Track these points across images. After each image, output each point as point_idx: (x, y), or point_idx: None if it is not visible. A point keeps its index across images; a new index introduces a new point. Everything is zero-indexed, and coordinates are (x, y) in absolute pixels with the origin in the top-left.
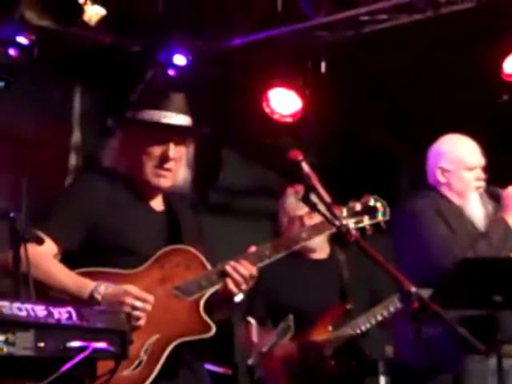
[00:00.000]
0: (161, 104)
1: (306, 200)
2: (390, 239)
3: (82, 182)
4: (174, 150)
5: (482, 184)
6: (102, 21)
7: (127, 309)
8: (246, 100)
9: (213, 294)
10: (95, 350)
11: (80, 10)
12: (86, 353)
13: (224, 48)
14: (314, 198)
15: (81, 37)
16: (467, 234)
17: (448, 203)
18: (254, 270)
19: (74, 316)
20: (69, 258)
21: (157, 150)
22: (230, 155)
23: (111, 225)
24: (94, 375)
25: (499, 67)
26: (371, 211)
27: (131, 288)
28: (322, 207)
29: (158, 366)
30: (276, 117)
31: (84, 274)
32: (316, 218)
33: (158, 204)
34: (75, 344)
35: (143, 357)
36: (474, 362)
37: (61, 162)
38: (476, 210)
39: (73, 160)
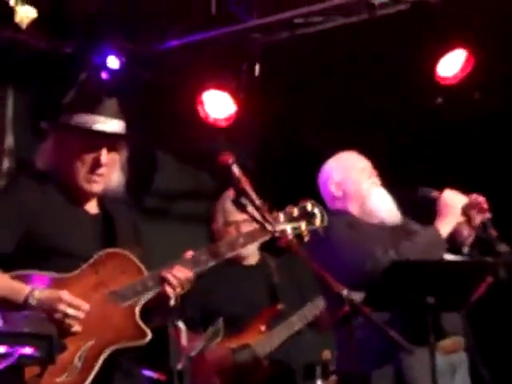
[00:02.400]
0: (94, 109)
1: (236, 203)
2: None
3: (15, 186)
4: (106, 156)
5: (377, 180)
6: (34, 23)
7: (59, 315)
8: (180, 103)
9: (148, 300)
10: (21, 356)
11: (11, 11)
12: (12, 359)
13: (158, 50)
14: (244, 201)
15: (13, 39)
16: (386, 238)
17: (353, 215)
18: (190, 275)
19: (0, 321)
20: (2, 261)
21: (89, 156)
22: (164, 159)
23: (45, 228)
24: (21, 381)
25: (433, 70)
26: (309, 217)
27: (65, 294)
28: (252, 210)
29: (93, 373)
30: (210, 120)
31: (18, 277)
32: (251, 225)
33: (92, 207)
34: (0, 350)
35: (77, 363)
36: (416, 361)
37: None
38: (383, 203)
39: (6, 163)
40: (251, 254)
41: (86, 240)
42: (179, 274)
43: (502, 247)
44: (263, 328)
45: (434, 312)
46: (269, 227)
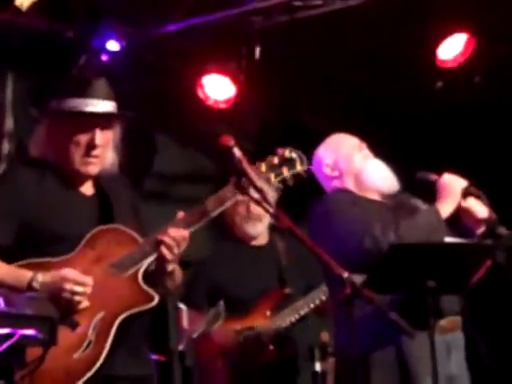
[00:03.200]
0: (83, 91)
1: (237, 185)
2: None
3: (10, 174)
4: (100, 137)
5: (369, 152)
6: (34, 6)
7: (67, 295)
8: (180, 86)
9: (149, 266)
10: (23, 337)
11: None
12: (14, 340)
13: (158, 34)
14: (245, 182)
15: (13, 23)
16: (386, 215)
17: (354, 193)
18: (185, 233)
19: (1, 303)
20: (3, 252)
21: (83, 139)
22: (164, 141)
23: (43, 214)
24: (23, 362)
25: (434, 54)
26: (289, 162)
27: (68, 272)
28: (253, 192)
29: (109, 342)
30: (210, 103)
31: (28, 266)
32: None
33: (87, 189)
34: (2, 331)
35: (91, 337)
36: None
37: None
38: (378, 173)
39: (6, 146)
40: (260, 233)
41: (83, 222)
42: (174, 234)
43: (502, 230)
44: (268, 313)
45: (434, 295)
46: (270, 209)
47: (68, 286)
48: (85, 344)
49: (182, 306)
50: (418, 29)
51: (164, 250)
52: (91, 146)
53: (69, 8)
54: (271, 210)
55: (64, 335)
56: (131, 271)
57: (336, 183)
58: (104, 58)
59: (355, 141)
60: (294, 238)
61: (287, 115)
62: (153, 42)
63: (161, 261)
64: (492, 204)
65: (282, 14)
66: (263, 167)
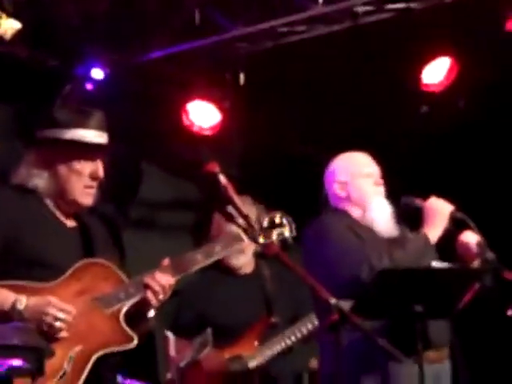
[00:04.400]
0: (86, 123)
1: (223, 212)
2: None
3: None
4: (101, 169)
5: (382, 189)
6: (18, 35)
7: (49, 319)
8: (164, 113)
9: (131, 306)
10: (10, 368)
11: None
12: (1, 370)
13: (142, 61)
14: (231, 210)
15: None
16: (380, 242)
17: (353, 218)
18: (172, 281)
19: None
20: None
21: (85, 169)
22: (149, 169)
23: (26, 239)
24: None
25: (418, 78)
26: (278, 227)
27: (53, 299)
28: (239, 219)
29: (83, 377)
30: (195, 129)
31: (3, 286)
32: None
33: (69, 220)
34: None
35: (67, 368)
36: (402, 369)
37: None
38: (382, 216)
39: None
40: (247, 263)
41: (66, 252)
42: (162, 281)
43: (489, 254)
44: (256, 343)
45: (421, 320)
46: (257, 236)
47: (51, 311)
48: (59, 375)
49: (169, 334)
50: (402, 53)
51: (149, 295)
52: (95, 177)
53: (52, 36)
54: (256, 236)
55: None
56: (113, 309)
57: (339, 203)
58: (88, 86)
59: (374, 171)
60: (282, 264)
61: (272, 141)
62: (137, 69)
63: (143, 304)
64: (479, 228)
65: (266, 40)
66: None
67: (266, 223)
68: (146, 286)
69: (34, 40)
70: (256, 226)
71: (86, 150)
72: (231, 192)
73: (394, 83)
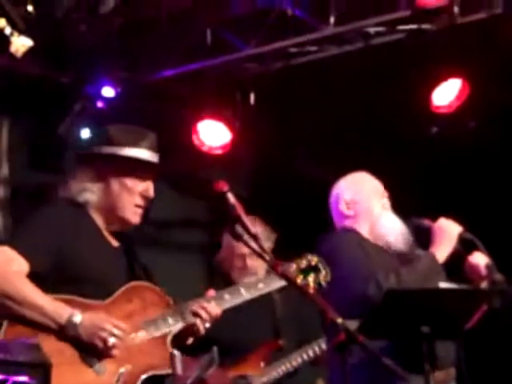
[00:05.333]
0: (141, 142)
1: (231, 232)
2: None
3: (53, 209)
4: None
5: (388, 203)
6: (30, 52)
7: (105, 335)
8: (175, 132)
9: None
10: None
11: (6, 41)
12: None
13: (153, 80)
14: (239, 229)
15: (8, 69)
16: (388, 262)
17: (362, 236)
18: (219, 311)
19: None
20: (38, 282)
21: (138, 187)
22: (160, 187)
23: (78, 255)
24: None
25: (428, 99)
26: (315, 271)
27: (109, 316)
28: (248, 239)
29: None
30: (205, 149)
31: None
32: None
33: (112, 239)
34: None
35: None
36: None
37: None
38: (392, 228)
39: (1, 192)
40: None
41: (114, 272)
42: (211, 309)
43: (497, 276)
44: (262, 364)
45: (428, 341)
46: (266, 256)
47: (108, 327)
48: None
49: (175, 352)
50: (412, 74)
51: (199, 323)
52: (145, 196)
53: (64, 54)
54: (267, 257)
55: (90, 379)
56: (162, 333)
57: (347, 222)
58: (99, 104)
59: (379, 186)
60: (291, 287)
61: (282, 160)
62: (148, 88)
63: (187, 331)
64: (487, 250)
65: (276, 60)
66: (293, 267)
67: (304, 264)
68: (195, 314)
69: (46, 58)
70: (294, 266)
71: (140, 169)
72: (240, 211)
73: (404, 104)
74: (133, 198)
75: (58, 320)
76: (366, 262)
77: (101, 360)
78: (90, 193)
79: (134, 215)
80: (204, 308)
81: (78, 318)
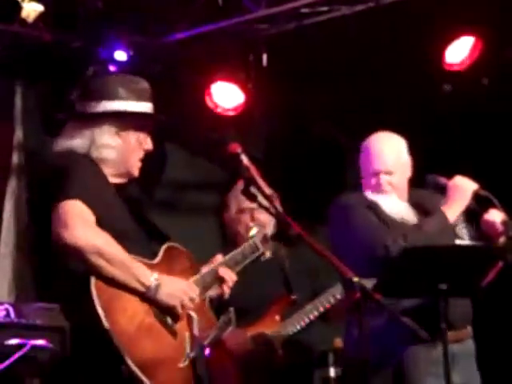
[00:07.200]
0: (143, 94)
1: (245, 192)
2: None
3: (88, 162)
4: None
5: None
6: (41, 17)
7: (186, 299)
8: (188, 94)
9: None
10: (34, 347)
11: (17, 7)
12: (24, 350)
13: (165, 43)
14: (253, 190)
15: (20, 34)
16: (398, 226)
17: (375, 200)
18: (235, 278)
19: (12, 313)
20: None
21: (142, 143)
22: (173, 150)
23: (113, 210)
24: (34, 372)
25: (441, 57)
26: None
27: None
28: (262, 199)
29: None
30: (219, 111)
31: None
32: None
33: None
34: (13, 341)
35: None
36: (417, 352)
37: (3, 161)
38: (396, 207)
39: (15, 157)
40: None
41: (136, 227)
42: (232, 275)
43: None
44: (278, 318)
45: (445, 298)
46: (278, 215)
47: (190, 292)
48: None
49: (192, 313)
50: (425, 32)
51: (225, 288)
52: (147, 150)
53: (75, 18)
54: (279, 215)
55: (168, 341)
56: (203, 297)
57: (362, 182)
58: (112, 68)
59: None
60: (304, 244)
61: (295, 121)
62: (160, 51)
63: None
64: (503, 206)
65: (288, 21)
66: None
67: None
68: (222, 280)
69: (57, 22)
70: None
71: (145, 123)
72: (253, 172)
73: (417, 62)
74: (140, 152)
75: (145, 282)
76: (375, 224)
77: (176, 322)
78: (110, 149)
79: (137, 169)
80: (228, 273)
81: (158, 279)
